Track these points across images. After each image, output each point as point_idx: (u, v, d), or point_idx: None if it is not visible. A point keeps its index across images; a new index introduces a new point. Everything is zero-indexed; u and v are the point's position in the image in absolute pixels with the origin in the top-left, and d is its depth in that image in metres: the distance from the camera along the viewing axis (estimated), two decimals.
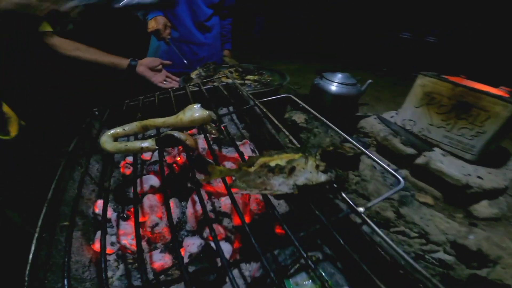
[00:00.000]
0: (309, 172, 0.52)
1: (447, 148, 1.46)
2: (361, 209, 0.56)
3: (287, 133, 0.66)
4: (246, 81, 1.58)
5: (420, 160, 1.50)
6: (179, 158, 0.87)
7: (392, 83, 3.27)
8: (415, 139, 1.55)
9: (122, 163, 0.97)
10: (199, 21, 1.81)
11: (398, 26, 4.03)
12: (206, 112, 0.68)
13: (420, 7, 3.80)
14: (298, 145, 0.64)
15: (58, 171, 0.69)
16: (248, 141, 0.94)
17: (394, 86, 3.21)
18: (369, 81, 2.13)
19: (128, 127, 0.72)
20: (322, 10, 4.75)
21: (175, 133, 0.60)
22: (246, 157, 0.97)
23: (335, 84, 2.02)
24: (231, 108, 1.19)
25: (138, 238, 0.47)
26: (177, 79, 1.43)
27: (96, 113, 1.01)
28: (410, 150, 1.49)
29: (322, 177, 0.52)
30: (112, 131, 0.71)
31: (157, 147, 0.63)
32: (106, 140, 0.68)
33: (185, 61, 1.72)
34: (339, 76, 2.07)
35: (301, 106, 0.91)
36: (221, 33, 2.01)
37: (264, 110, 0.75)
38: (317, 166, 0.53)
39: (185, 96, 1.04)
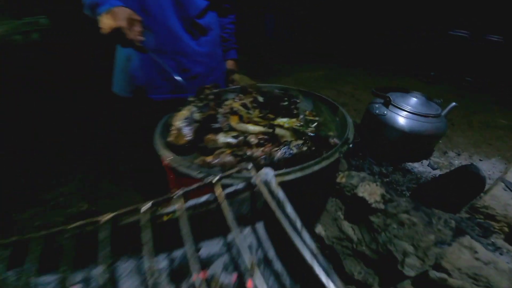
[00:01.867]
0: None
1: None
2: None
3: None
4: (276, 131, 0.86)
5: None
6: None
7: (458, 95, 2.49)
8: None
9: None
10: (188, 17, 1.10)
11: (446, 22, 3.21)
12: None
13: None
14: None
15: None
16: None
17: (463, 102, 2.42)
18: (453, 104, 1.38)
19: None
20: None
21: None
22: None
23: (405, 113, 1.28)
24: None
25: None
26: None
27: None
28: None
29: None
30: None
31: None
32: None
33: (178, 77, 1.02)
34: (413, 102, 1.32)
35: None
36: (222, 37, 1.32)
37: None
38: None
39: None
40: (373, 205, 0.97)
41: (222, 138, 0.88)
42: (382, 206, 0.97)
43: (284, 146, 0.75)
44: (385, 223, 0.94)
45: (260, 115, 0.90)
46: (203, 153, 0.82)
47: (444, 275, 0.91)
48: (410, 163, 1.37)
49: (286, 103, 1.08)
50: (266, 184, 0.44)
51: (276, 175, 0.48)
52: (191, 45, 1.19)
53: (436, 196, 1.10)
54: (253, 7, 4.18)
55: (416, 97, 1.33)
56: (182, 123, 0.87)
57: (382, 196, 0.97)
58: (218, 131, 0.91)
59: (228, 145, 0.87)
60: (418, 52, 3.36)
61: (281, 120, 0.86)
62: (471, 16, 2.95)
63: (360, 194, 0.98)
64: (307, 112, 1.00)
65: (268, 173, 0.46)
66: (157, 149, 0.81)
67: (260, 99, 1.06)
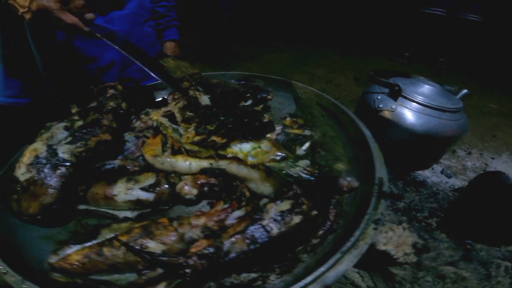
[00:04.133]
0: None
1: None
2: None
3: None
4: (231, 169, 0.42)
5: None
6: None
7: (436, 77, 2.26)
8: None
9: None
10: None
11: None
12: None
13: None
14: None
15: None
16: None
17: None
18: (465, 91, 1.08)
19: None
20: None
21: None
22: None
23: (418, 107, 0.93)
24: None
25: None
26: None
27: None
28: None
29: None
30: None
31: None
32: None
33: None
34: (426, 91, 0.97)
35: None
36: (156, 11, 0.99)
37: None
38: None
39: None
40: (400, 260, 0.61)
41: (123, 192, 0.42)
42: (413, 259, 0.60)
43: (252, 225, 0.31)
44: (414, 276, 0.59)
45: (198, 138, 0.45)
46: (82, 238, 0.36)
47: None
48: (419, 172, 1.04)
49: (249, 101, 0.64)
50: None
51: None
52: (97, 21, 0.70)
53: (472, 223, 0.78)
54: None
55: (429, 85, 0.98)
56: (31, 169, 0.39)
57: (414, 245, 0.61)
58: (117, 175, 0.44)
59: (136, 204, 0.42)
60: (391, 31, 3.09)
61: (240, 148, 0.42)
62: None
63: (382, 247, 0.60)
64: (287, 119, 0.57)
65: None
66: None
67: (205, 99, 0.60)
